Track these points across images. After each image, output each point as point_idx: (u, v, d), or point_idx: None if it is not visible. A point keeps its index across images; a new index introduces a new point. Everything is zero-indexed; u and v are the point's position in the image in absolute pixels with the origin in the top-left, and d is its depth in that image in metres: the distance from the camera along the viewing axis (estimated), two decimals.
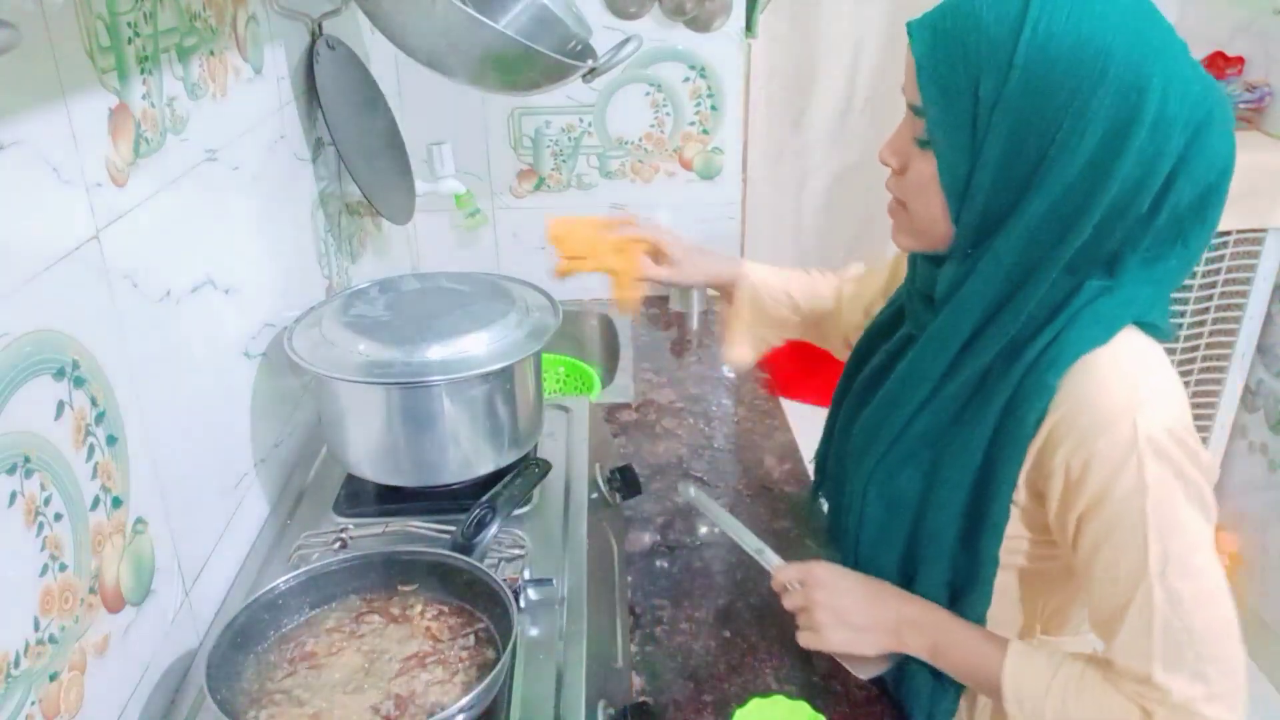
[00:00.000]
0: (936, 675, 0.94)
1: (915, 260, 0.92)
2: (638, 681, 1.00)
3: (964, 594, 0.91)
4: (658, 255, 1.24)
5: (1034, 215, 0.74)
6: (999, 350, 0.83)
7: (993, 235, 0.77)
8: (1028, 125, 0.71)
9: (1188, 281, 2.02)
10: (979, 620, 0.91)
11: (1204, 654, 0.75)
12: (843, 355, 1.16)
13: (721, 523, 1.09)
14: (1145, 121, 0.69)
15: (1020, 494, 0.86)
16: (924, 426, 0.91)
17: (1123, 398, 0.76)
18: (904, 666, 0.96)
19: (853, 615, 0.93)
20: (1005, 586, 0.92)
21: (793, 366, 2.32)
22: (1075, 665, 0.82)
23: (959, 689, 0.95)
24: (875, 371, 1.00)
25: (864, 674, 0.96)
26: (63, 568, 0.72)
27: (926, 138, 0.78)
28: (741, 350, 1.28)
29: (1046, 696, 0.80)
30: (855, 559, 1.00)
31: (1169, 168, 0.72)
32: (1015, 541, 0.89)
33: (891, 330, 1.01)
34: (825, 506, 1.20)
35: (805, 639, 0.96)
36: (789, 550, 1.06)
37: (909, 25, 0.77)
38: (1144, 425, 0.74)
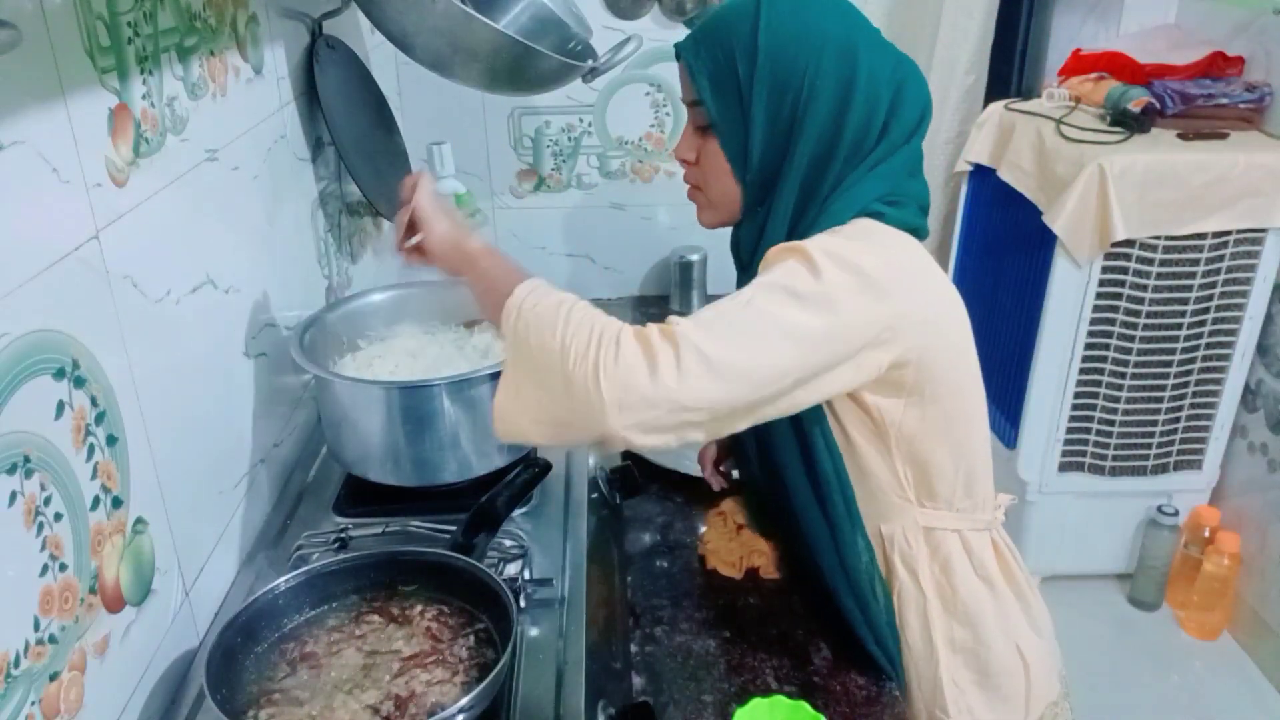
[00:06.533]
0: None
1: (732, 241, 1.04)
2: (638, 681, 1.00)
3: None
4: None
5: (800, 160, 0.91)
6: None
7: (773, 187, 0.93)
8: (780, 91, 0.89)
9: (1188, 281, 2.02)
10: (845, 495, 0.97)
11: (706, 345, 0.78)
12: None
13: None
14: (861, 79, 0.89)
15: None
16: None
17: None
18: (862, 585, 0.98)
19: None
20: (865, 465, 0.97)
21: None
22: None
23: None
24: None
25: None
26: (63, 568, 0.72)
27: (706, 123, 0.94)
28: None
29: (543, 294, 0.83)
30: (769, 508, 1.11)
31: (885, 113, 0.90)
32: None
33: None
34: None
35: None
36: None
37: (676, 46, 0.97)
38: (809, 243, 0.85)
